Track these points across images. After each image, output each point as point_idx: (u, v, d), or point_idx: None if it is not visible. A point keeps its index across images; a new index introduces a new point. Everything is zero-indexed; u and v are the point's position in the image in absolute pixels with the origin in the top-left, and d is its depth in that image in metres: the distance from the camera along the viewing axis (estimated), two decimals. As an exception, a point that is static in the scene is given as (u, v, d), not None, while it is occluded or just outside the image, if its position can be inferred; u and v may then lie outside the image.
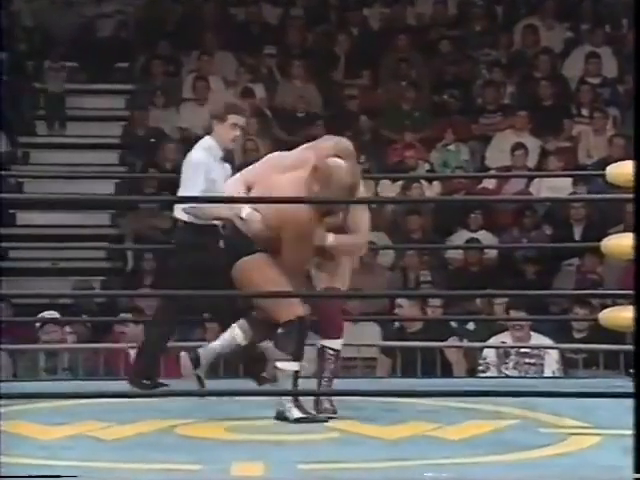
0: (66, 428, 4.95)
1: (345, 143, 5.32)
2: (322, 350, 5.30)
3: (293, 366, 5.03)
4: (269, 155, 5.35)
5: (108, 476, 4.20)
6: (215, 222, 5.63)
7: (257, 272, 5.07)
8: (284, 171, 5.14)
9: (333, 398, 5.24)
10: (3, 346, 8.22)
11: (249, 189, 5.17)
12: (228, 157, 5.91)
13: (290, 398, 5.02)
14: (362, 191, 5.33)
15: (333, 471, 4.27)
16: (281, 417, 5.07)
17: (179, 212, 5.81)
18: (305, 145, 5.34)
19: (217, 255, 5.52)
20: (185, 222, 5.78)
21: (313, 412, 5.13)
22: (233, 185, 5.23)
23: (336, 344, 5.28)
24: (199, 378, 5.18)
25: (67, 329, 8.51)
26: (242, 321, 5.23)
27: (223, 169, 5.82)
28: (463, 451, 4.60)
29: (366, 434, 4.90)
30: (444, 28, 11.88)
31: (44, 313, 8.22)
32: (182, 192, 5.80)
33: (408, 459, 4.46)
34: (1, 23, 10.61)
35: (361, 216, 5.28)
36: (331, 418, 5.16)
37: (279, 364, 5.06)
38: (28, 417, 5.13)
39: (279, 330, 5.06)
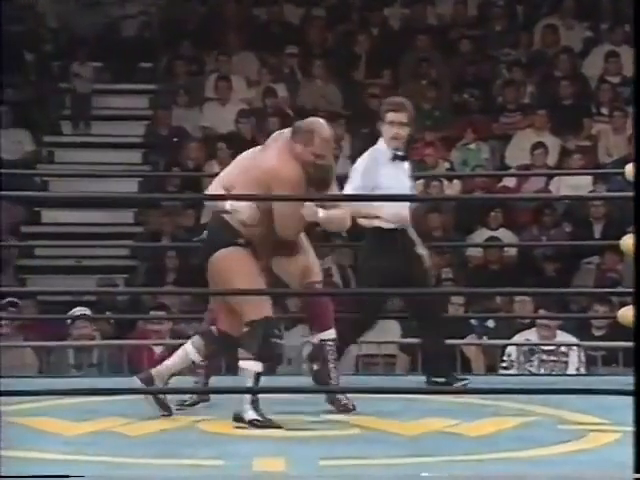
0: (90, 424, 4.98)
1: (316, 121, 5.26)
2: (321, 344, 5.26)
3: (256, 366, 4.96)
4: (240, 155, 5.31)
5: (132, 471, 4.23)
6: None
7: (232, 266, 5.02)
8: (264, 149, 5.15)
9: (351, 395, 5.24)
10: (30, 343, 8.28)
11: (228, 190, 5.13)
12: (403, 156, 5.78)
13: (248, 400, 4.92)
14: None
15: (354, 467, 4.28)
16: (237, 418, 4.96)
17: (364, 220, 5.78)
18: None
19: (401, 259, 5.62)
20: (374, 227, 5.77)
21: (268, 417, 4.97)
22: (212, 187, 5.21)
23: (332, 334, 5.26)
24: (157, 399, 5.08)
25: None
26: (196, 337, 5.20)
27: (396, 168, 5.77)
28: (482, 448, 4.60)
29: (386, 430, 4.91)
30: (464, 28, 11.86)
31: (75, 309, 8.26)
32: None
33: (428, 455, 4.46)
34: (1, 22, 10.65)
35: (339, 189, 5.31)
36: (349, 411, 5.15)
37: (241, 363, 4.99)
38: (53, 413, 5.16)
39: (244, 329, 5.00)
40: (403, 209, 5.87)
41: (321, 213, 5.08)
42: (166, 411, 5.10)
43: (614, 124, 10.67)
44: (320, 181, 5.10)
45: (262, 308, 4.99)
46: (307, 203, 5.05)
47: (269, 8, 11.98)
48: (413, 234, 5.97)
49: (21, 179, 10.44)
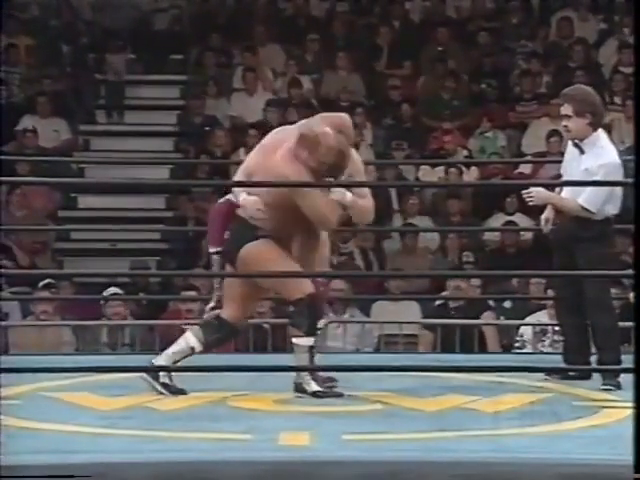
0: (124, 399, 4.98)
1: (336, 116, 5.16)
2: None
3: (308, 341, 5.00)
4: (264, 138, 5.21)
5: (162, 445, 4.23)
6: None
7: (263, 255, 5.00)
8: (275, 150, 5.07)
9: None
10: (63, 322, 8.30)
11: (249, 177, 5.07)
12: (581, 146, 5.43)
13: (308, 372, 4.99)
14: (357, 160, 5.15)
15: (376, 442, 4.27)
16: (300, 389, 5.03)
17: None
18: (300, 122, 5.18)
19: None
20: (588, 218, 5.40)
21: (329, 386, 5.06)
22: (237, 175, 5.16)
23: (321, 322, 5.24)
24: (165, 385, 5.04)
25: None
26: (196, 327, 5.17)
27: (573, 157, 5.49)
28: (499, 423, 4.58)
29: (407, 406, 4.89)
30: (482, 20, 11.81)
31: (109, 289, 8.28)
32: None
33: (447, 430, 4.45)
34: (1, 22, 10.68)
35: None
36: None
37: (294, 340, 5.02)
38: (89, 389, 5.17)
39: (291, 308, 5.03)
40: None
41: (349, 197, 5.02)
42: (180, 393, 5.05)
43: (627, 113, 10.61)
44: (334, 167, 5.02)
45: (303, 286, 5.00)
46: (334, 188, 4.99)
47: (295, 2, 11.96)
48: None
49: (58, 166, 10.49)
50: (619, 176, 5.41)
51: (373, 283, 9.40)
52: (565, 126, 5.50)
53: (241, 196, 5.05)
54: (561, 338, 5.82)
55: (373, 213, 5.18)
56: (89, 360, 6.14)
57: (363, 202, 5.09)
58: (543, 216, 5.62)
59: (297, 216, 5.00)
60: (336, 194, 4.99)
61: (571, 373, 5.48)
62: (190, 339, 5.13)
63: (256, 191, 5.04)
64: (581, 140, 5.45)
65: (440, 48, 11.46)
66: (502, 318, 8.59)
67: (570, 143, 5.56)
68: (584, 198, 5.40)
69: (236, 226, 5.13)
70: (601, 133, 5.48)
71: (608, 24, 11.65)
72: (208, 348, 5.17)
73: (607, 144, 5.47)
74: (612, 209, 5.47)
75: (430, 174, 10.24)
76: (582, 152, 5.46)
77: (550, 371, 5.41)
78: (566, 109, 5.46)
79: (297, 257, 5.12)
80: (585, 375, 5.43)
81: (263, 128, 10.26)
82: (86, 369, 5.40)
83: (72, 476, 3.83)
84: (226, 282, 5.20)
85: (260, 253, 5.03)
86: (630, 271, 4.73)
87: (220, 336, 5.17)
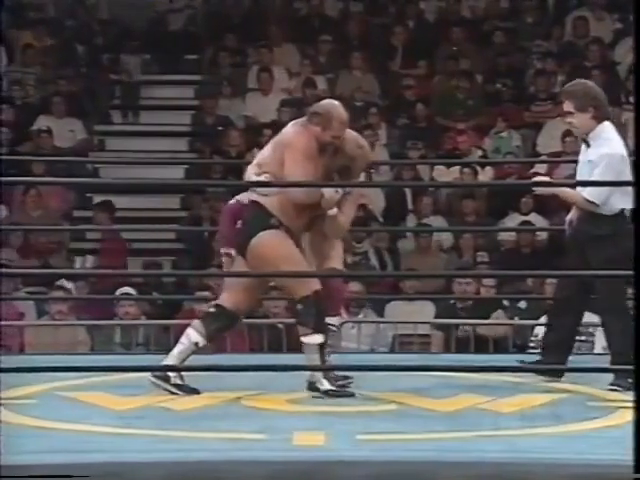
0: (138, 399, 4.99)
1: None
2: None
3: (317, 339, 5.00)
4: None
5: (177, 445, 4.24)
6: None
7: (275, 250, 5.01)
8: (286, 130, 5.14)
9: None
10: (76, 322, 8.32)
11: (260, 167, 5.11)
12: (587, 141, 5.41)
13: (321, 371, 4.99)
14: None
15: (390, 442, 4.27)
16: (313, 388, 5.04)
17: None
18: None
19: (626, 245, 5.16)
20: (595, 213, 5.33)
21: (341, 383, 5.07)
22: (250, 169, 5.19)
23: (335, 320, 5.24)
24: (178, 385, 5.04)
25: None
26: (195, 322, 5.17)
27: (583, 152, 5.46)
28: (514, 423, 4.57)
29: (421, 406, 4.89)
30: (497, 20, 11.80)
31: (122, 289, 8.29)
32: None
33: (462, 430, 4.44)
34: (1, 21, 10.72)
35: None
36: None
37: (303, 339, 5.01)
38: (104, 388, 5.18)
39: (299, 306, 5.02)
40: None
41: (327, 194, 5.02)
42: (193, 393, 5.07)
43: (643, 112, 10.56)
44: (344, 169, 5.08)
45: (311, 283, 5.00)
46: (326, 189, 5.00)
47: (309, 2, 11.96)
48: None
49: (74, 166, 10.52)
50: (624, 167, 5.35)
51: (387, 283, 9.40)
52: (570, 122, 5.48)
53: (327, 192, 5.01)
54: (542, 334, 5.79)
55: (346, 228, 5.18)
56: (104, 360, 6.15)
57: (341, 216, 5.09)
58: (568, 217, 5.59)
59: (306, 207, 5.03)
60: (328, 192, 5.00)
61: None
62: (192, 335, 5.12)
63: (271, 168, 5.03)
64: (587, 134, 5.44)
65: (455, 48, 11.44)
66: (516, 318, 8.58)
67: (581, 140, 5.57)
68: (587, 190, 5.35)
69: (251, 214, 5.11)
70: (607, 125, 5.44)
71: (624, 23, 11.61)
72: (211, 339, 5.17)
73: (612, 135, 5.43)
74: (624, 203, 5.37)
75: (445, 174, 10.23)
76: (588, 146, 5.45)
77: (556, 371, 5.37)
78: (568, 106, 5.45)
79: (306, 253, 5.14)
80: (557, 375, 5.39)
81: (277, 128, 10.29)
82: (101, 369, 5.41)
83: (87, 476, 3.84)
84: (235, 269, 5.18)
85: (272, 248, 5.02)
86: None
87: (220, 325, 5.16)
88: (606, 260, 5.29)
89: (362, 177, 5.41)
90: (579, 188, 5.43)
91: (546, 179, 5.55)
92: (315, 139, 5.02)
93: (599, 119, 5.39)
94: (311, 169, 5.00)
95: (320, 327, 5.01)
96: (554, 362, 5.38)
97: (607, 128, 5.44)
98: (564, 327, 5.50)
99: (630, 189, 5.35)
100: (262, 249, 5.03)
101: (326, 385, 5.01)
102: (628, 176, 5.32)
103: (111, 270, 9.22)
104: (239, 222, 5.16)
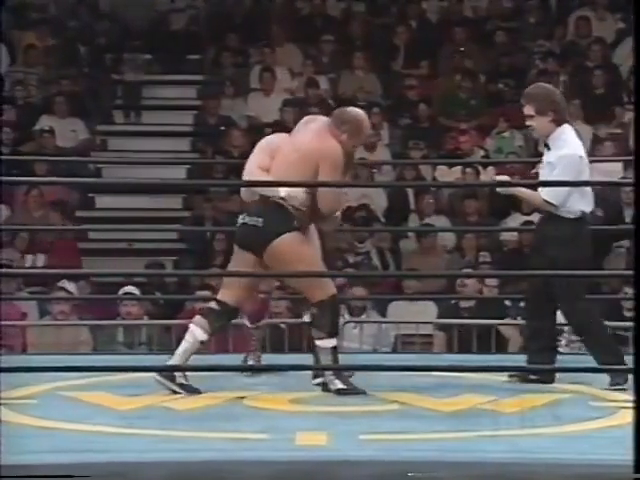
0: (141, 399, 4.99)
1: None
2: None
3: (331, 342, 5.06)
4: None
5: (179, 445, 4.24)
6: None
7: (298, 252, 5.03)
8: (295, 134, 5.14)
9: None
10: (78, 322, 8.33)
11: (272, 158, 5.13)
12: (547, 144, 5.49)
13: (332, 371, 5.06)
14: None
15: (393, 442, 4.27)
16: (325, 389, 5.10)
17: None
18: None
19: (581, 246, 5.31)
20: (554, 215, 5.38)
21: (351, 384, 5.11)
22: (251, 174, 5.18)
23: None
24: (182, 385, 5.06)
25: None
26: (198, 318, 5.18)
27: (545, 155, 5.55)
28: (516, 423, 4.58)
29: (424, 407, 4.89)
30: (499, 20, 11.79)
31: (124, 288, 8.30)
32: None
33: (464, 430, 4.45)
34: (1, 20, 10.72)
35: None
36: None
37: (318, 342, 5.07)
38: (106, 388, 5.19)
39: (314, 310, 5.06)
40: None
41: (283, 193, 5.03)
42: (195, 392, 5.07)
43: (645, 112, 10.56)
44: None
45: (327, 288, 5.05)
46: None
47: (312, 2, 11.96)
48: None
49: (76, 166, 10.53)
50: (580, 168, 5.41)
51: (390, 283, 9.40)
52: (529, 125, 5.58)
53: (282, 190, 5.03)
54: (571, 337, 5.81)
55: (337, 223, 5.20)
56: (106, 360, 6.16)
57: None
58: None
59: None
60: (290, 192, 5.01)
61: (532, 377, 5.41)
62: (196, 332, 5.14)
63: (299, 178, 5.02)
64: (547, 137, 5.51)
65: (457, 48, 11.44)
66: (519, 319, 8.57)
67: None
68: (545, 191, 5.40)
69: (271, 212, 5.08)
70: (566, 128, 5.51)
71: (626, 23, 11.60)
72: (212, 335, 5.19)
73: (571, 137, 5.49)
74: (583, 205, 5.43)
75: (447, 174, 10.23)
76: (549, 148, 5.52)
77: (547, 375, 5.37)
78: (528, 109, 5.54)
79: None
80: (548, 379, 5.38)
81: (280, 128, 10.30)
82: (103, 369, 5.42)
83: (89, 476, 3.84)
84: (233, 266, 5.19)
85: (294, 251, 5.04)
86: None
87: (224, 322, 5.19)
88: (566, 262, 5.33)
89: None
90: (539, 189, 5.47)
91: (507, 179, 5.57)
92: (341, 147, 5.05)
93: (558, 122, 5.47)
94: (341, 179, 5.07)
95: (334, 331, 5.07)
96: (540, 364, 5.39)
97: (566, 130, 5.51)
98: (542, 329, 5.54)
99: (589, 190, 5.44)
100: (284, 250, 5.05)
101: (337, 384, 5.06)
102: (586, 177, 5.42)
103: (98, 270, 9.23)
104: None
